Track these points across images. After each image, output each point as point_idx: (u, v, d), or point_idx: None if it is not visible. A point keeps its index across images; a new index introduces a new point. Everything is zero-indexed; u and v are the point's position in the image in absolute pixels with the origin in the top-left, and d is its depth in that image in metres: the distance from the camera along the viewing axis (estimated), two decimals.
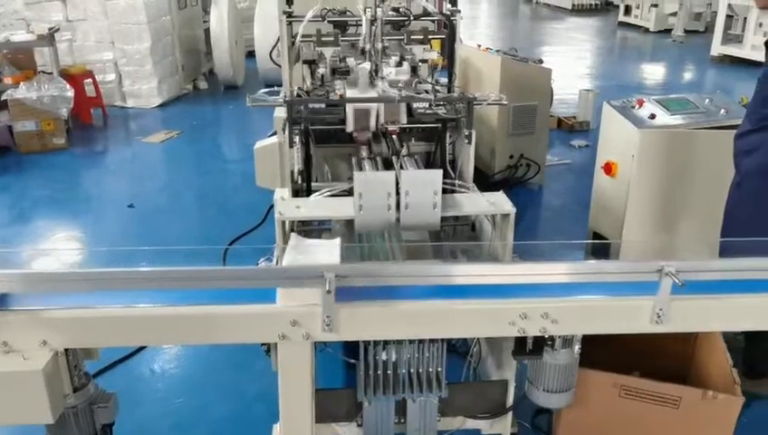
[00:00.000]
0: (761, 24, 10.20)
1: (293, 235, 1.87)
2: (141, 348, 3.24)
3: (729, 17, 11.25)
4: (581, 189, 4.76)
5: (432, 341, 2.01)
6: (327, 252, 1.80)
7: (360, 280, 1.59)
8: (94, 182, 5.95)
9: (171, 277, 1.56)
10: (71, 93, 6.52)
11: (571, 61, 11.50)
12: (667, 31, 13.97)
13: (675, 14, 13.98)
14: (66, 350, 1.63)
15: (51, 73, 6.72)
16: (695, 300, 1.65)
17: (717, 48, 11.18)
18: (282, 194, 2.37)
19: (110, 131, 7.32)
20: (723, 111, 3.59)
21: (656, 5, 14.48)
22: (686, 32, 13.61)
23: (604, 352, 2.23)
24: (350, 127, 2.59)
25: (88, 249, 4.50)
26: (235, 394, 3.03)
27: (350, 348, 2.23)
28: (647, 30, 14.56)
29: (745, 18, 10.92)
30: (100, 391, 1.80)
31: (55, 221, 5.03)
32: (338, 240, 1.88)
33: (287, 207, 2.18)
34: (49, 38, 6.74)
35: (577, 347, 1.93)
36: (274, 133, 3.95)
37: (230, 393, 3.04)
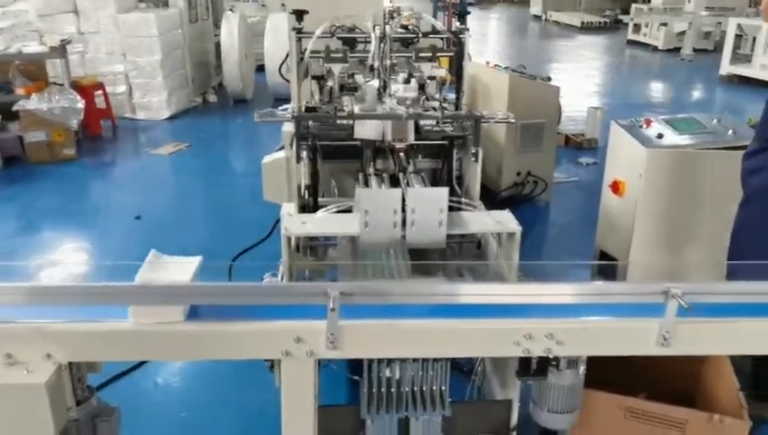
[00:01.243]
0: None
1: (152, 251, 1.77)
2: (145, 361, 3.24)
3: (738, 37, 11.27)
4: (589, 207, 4.74)
5: (436, 359, 2.00)
6: (182, 270, 1.71)
7: (364, 298, 1.58)
8: (102, 193, 5.99)
9: (175, 293, 1.57)
10: (81, 105, 6.58)
11: (579, 78, 11.52)
12: (677, 49, 14.00)
13: (684, 32, 14.01)
14: (70, 363, 1.63)
15: (62, 85, 6.78)
16: (701, 323, 1.63)
17: (726, 67, 11.18)
18: (288, 209, 2.38)
19: (119, 143, 7.38)
20: (731, 131, 3.57)
21: (665, 24, 14.52)
22: (695, 51, 13.64)
23: (610, 373, 2.21)
24: (356, 134, 2.60)
25: (93, 262, 4.51)
26: (237, 409, 3.02)
27: (354, 365, 2.22)
28: (656, 48, 14.60)
29: (755, 38, 10.94)
30: (103, 404, 1.79)
31: (63, 232, 5.05)
32: (199, 258, 1.78)
33: (293, 222, 2.19)
34: (61, 50, 6.81)
35: (582, 368, 1.91)
36: (282, 148, 3.97)
37: (233, 408, 3.03)
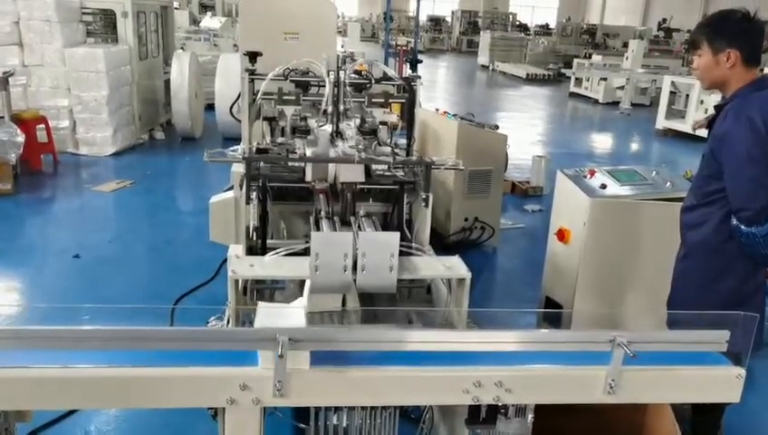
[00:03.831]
0: (702, 102, 10.81)
1: None
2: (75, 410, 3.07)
3: (673, 93, 11.91)
4: (535, 253, 4.83)
5: (385, 407, 1.96)
6: None
7: (313, 344, 1.55)
8: (39, 230, 5.74)
9: (114, 337, 1.50)
10: (21, 139, 6.36)
11: (524, 127, 11.89)
12: (615, 103, 14.67)
13: (622, 87, 14.71)
14: None
15: (2, 117, 6.56)
16: (645, 371, 1.66)
17: (662, 122, 11.77)
18: (236, 251, 2.33)
19: (59, 179, 7.14)
20: (668, 183, 3.72)
21: (605, 79, 15.24)
22: (633, 105, 14.31)
23: (556, 422, 2.21)
24: (309, 177, 2.59)
25: (26, 305, 4.29)
26: None
27: (301, 412, 2.16)
28: (596, 101, 15.27)
29: (688, 95, 11.56)
30: None
31: None
32: None
33: (241, 265, 2.14)
34: (2, 82, 6.61)
35: (530, 416, 1.91)
36: (231, 188, 3.92)
37: None
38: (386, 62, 11.96)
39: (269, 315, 1.71)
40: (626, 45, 19.28)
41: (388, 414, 1.98)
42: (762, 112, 2.37)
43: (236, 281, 2.13)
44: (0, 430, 1.56)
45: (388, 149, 2.94)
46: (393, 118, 3.36)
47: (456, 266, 2.23)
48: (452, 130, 5.19)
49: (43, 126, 7.19)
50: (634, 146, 11.62)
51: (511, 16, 33.63)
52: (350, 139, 2.85)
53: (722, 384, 1.71)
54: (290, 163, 2.75)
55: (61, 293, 4.39)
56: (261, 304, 1.80)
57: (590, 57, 18.82)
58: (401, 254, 2.17)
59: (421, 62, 3.84)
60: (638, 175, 3.84)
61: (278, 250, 2.28)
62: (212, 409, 1.91)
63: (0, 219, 5.71)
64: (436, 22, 33.21)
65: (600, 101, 15.10)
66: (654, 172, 3.88)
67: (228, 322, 2.30)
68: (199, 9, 19.21)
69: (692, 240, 2.68)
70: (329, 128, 2.85)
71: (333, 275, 2.06)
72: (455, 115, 5.64)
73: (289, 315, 1.74)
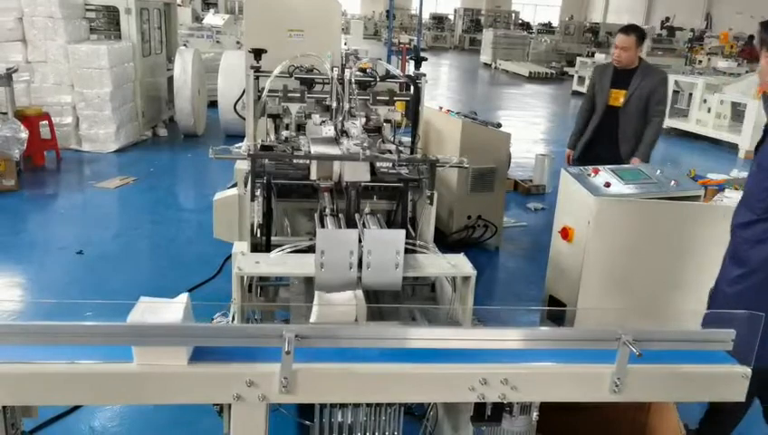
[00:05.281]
0: (705, 101, 10.78)
1: None
2: (79, 405, 3.07)
3: (675, 92, 11.87)
4: (537, 252, 4.83)
5: (389, 404, 1.96)
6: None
7: (320, 341, 1.55)
8: (42, 226, 5.75)
9: (119, 333, 1.50)
10: (25, 135, 6.37)
11: (527, 125, 11.88)
12: None
13: None
14: (4, 407, 1.53)
15: (5, 114, 6.56)
16: (651, 370, 1.66)
17: (665, 121, 11.71)
18: (241, 248, 2.33)
19: (62, 175, 7.15)
20: (673, 182, 3.71)
21: None
22: None
23: (561, 419, 2.21)
24: (314, 175, 2.59)
25: (30, 300, 4.29)
26: None
27: (305, 409, 2.16)
28: None
29: (690, 94, 11.54)
30: None
31: None
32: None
33: (246, 262, 2.14)
34: (6, 78, 6.62)
35: (535, 414, 1.91)
36: (234, 185, 3.92)
37: None
38: (388, 60, 11.95)
39: (145, 311, 1.65)
40: None
41: (392, 411, 1.98)
42: None
43: (242, 278, 2.13)
44: (7, 425, 1.56)
45: (393, 147, 2.93)
46: (397, 116, 3.36)
47: (461, 264, 2.23)
48: (455, 129, 5.18)
49: (46, 122, 7.20)
50: None
51: (513, 14, 33.58)
52: (354, 136, 2.84)
53: (727, 383, 1.71)
54: (295, 161, 2.75)
55: (64, 289, 4.39)
56: (142, 298, 1.75)
57: (592, 56, 18.76)
58: (406, 251, 2.17)
59: (426, 59, 3.84)
60: (643, 174, 3.83)
61: (283, 247, 2.28)
62: (217, 405, 1.91)
63: (4, 215, 5.72)
64: (438, 20, 33.18)
65: None
66: (658, 171, 3.86)
67: (233, 318, 2.30)
68: (202, 6, 19.21)
69: (758, 257, 2.47)
70: (332, 130, 2.85)
71: (339, 272, 2.06)
72: (458, 113, 5.63)
73: (166, 311, 1.67)
